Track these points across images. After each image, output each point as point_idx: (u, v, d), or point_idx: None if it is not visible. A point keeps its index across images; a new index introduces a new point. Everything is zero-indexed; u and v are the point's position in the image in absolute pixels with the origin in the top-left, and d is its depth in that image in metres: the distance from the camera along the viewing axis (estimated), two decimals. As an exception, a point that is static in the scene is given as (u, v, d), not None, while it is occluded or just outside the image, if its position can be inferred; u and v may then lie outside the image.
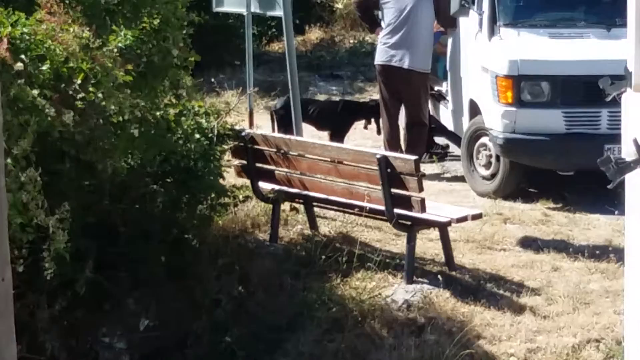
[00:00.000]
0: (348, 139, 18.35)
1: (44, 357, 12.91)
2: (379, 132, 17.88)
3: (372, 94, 20.90)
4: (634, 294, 6.81)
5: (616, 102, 7.76)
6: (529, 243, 15.05)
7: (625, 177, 6.53)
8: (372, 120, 18.14)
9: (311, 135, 17.60)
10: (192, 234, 14.53)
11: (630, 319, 7.18)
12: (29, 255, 11.39)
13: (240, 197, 15.22)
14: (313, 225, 15.28)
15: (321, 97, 21.39)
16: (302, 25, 23.72)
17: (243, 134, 15.11)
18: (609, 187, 6.99)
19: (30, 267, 11.37)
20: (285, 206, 15.48)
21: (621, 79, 7.69)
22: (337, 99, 20.62)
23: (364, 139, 18.69)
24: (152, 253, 14.00)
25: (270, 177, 15.07)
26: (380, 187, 13.76)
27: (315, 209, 15.27)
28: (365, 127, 18.41)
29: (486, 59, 16.30)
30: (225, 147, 14.90)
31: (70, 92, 11.49)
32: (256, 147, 14.99)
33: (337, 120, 18.22)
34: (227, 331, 13.85)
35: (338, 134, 18.02)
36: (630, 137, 6.19)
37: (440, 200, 15.41)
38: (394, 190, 13.73)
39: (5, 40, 10.76)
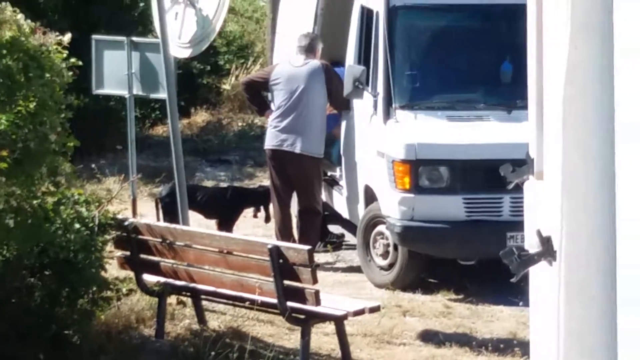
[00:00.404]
0: (237, 228, 18.09)
1: None
2: (267, 220, 17.69)
3: (262, 179, 20.78)
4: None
5: (519, 188, 7.68)
6: (429, 337, 14.83)
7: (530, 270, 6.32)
8: (262, 207, 17.92)
9: (198, 224, 17.35)
10: (73, 330, 14.22)
11: None
12: None
13: (124, 290, 14.89)
14: (201, 319, 15.03)
15: (208, 184, 21.28)
16: (188, 107, 23.58)
17: (126, 223, 14.89)
18: (512, 280, 6.83)
19: None
20: (172, 299, 15.21)
21: (523, 163, 7.56)
22: (225, 185, 20.51)
23: (254, 227, 18.37)
24: (30, 351, 13.79)
25: (155, 268, 14.84)
26: (272, 279, 13.62)
27: (204, 302, 15.05)
28: (255, 215, 18.21)
29: (382, 142, 16.12)
30: (108, 237, 14.64)
31: (-60, 181, 11.20)
32: (140, 237, 14.80)
33: (225, 208, 17.99)
34: None
35: (226, 223, 17.75)
36: (532, 228, 5.96)
37: (336, 292, 15.22)
38: (286, 282, 13.61)
39: None
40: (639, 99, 3.51)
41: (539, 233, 5.26)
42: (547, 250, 4.98)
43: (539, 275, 6.43)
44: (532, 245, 5.36)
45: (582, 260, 3.88)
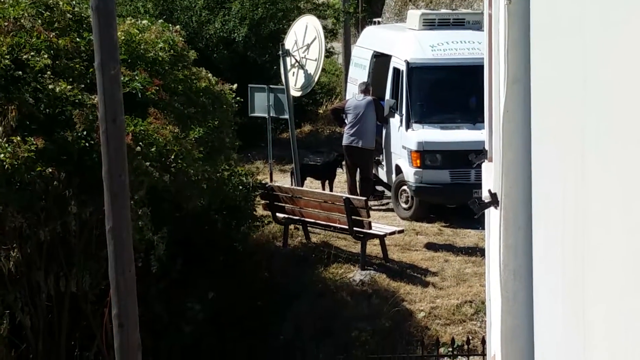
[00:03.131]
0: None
1: (153, 314, 12.53)
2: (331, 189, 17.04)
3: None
4: (490, 275, 6.46)
5: (479, 165, 7.57)
6: (430, 246, 14.69)
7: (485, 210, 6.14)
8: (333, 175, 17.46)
9: (309, 185, 17.06)
10: (238, 243, 14.25)
11: (488, 290, 6.86)
12: (143, 257, 11.02)
13: (265, 222, 14.95)
14: (307, 237, 14.98)
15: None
16: (300, 123, 23.41)
17: (267, 185, 15.06)
18: (475, 217, 6.75)
19: (144, 264, 10.98)
20: (292, 227, 15.08)
21: (481, 152, 7.58)
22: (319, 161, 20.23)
23: (336, 188, 18.01)
24: (216, 254, 13.83)
25: (282, 210, 14.79)
26: (345, 215, 13.61)
27: (309, 228, 14.93)
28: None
29: (405, 141, 15.87)
30: (257, 193, 14.66)
31: (167, 164, 11.26)
32: (274, 193, 14.84)
33: (327, 173, 17.40)
34: (259, 296, 13.69)
35: (331, 181, 17.27)
36: (486, 188, 5.83)
37: (380, 221, 15.03)
38: (353, 217, 13.59)
39: (130, 134, 10.41)
40: (543, 114, 3.43)
41: (489, 190, 5.16)
42: (494, 200, 4.88)
43: (490, 213, 6.38)
44: (486, 197, 5.24)
45: (511, 206, 3.79)
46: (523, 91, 3.53)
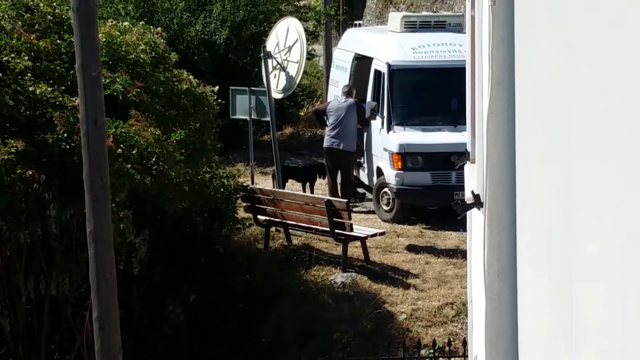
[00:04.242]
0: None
1: (135, 317, 12.49)
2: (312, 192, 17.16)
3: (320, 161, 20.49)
4: (472, 276, 6.51)
5: (460, 167, 7.58)
6: (411, 248, 14.67)
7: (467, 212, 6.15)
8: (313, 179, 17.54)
9: (291, 187, 17.05)
10: (220, 246, 14.26)
11: (470, 291, 6.94)
12: (125, 260, 10.97)
13: (247, 224, 14.91)
14: (289, 239, 14.92)
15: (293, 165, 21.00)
16: (281, 125, 23.29)
17: (248, 188, 14.99)
18: (458, 218, 6.83)
19: (125, 266, 10.94)
20: (273, 229, 15.02)
21: (462, 154, 7.56)
22: (302, 165, 20.25)
23: (317, 190, 18.01)
24: (197, 256, 13.83)
25: (264, 212, 14.73)
26: (327, 217, 13.57)
27: (290, 230, 14.87)
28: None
29: (386, 143, 15.84)
30: (238, 195, 14.60)
31: (149, 166, 11.23)
32: (255, 195, 14.76)
33: (309, 175, 17.51)
34: (240, 299, 13.65)
35: (312, 183, 17.34)
36: (469, 189, 5.74)
37: (361, 224, 14.95)
38: (334, 219, 13.56)
39: (111, 136, 10.37)
40: (527, 115, 3.44)
41: (472, 192, 5.15)
42: (477, 201, 4.88)
43: (473, 215, 6.37)
44: (469, 198, 5.24)
45: (495, 206, 3.78)
46: (507, 92, 3.53)
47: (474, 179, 5.67)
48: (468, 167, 6.91)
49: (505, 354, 3.64)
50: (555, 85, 2.86)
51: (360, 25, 23.39)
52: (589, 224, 2.15)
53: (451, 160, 8.03)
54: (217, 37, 21.56)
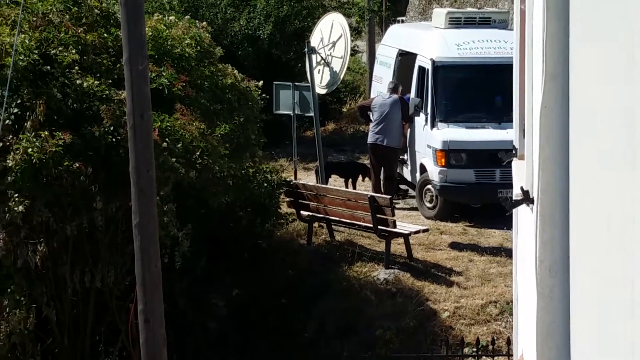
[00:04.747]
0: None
1: (179, 311, 12.55)
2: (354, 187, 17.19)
3: (363, 160, 20.41)
4: (518, 274, 6.47)
5: (507, 164, 7.45)
6: (455, 246, 14.58)
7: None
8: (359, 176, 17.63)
9: (334, 183, 17.04)
10: (262, 241, 14.28)
11: (516, 289, 6.84)
12: (169, 253, 11.03)
13: (290, 219, 14.91)
14: (331, 235, 14.92)
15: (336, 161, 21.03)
16: (324, 120, 23.32)
17: (291, 183, 14.97)
18: (507, 214, 6.66)
19: (169, 260, 10.98)
20: (316, 224, 15.03)
21: (508, 151, 7.38)
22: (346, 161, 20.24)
23: (360, 186, 17.97)
24: (241, 251, 13.86)
25: (307, 207, 14.72)
26: (370, 213, 13.53)
27: (333, 226, 14.86)
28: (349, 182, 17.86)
29: (430, 140, 15.77)
30: (281, 190, 14.62)
31: (193, 160, 11.25)
32: (298, 190, 14.76)
33: (352, 171, 17.58)
34: (283, 294, 13.68)
35: (355, 179, 17.39)
36: (518, 185, 5.67)
37: (404, 220, 14.96)
38: (378, 215, 13.50)
39: (156, 130, 10.40)
40: (582, 110, 3.38)
41: (521, 188, 5.11)
42: (526, 197, 4.84)
43: (521, 211, 6.30)
44: (517, 195, 5.19)
45: (548, 202, 3.74)
46: (561, 87, 3.49)
47: (522, 175, 5.61)
48: (516, 164, 6.85)
49: (556, 350, 3.61)
50: (612, 78, 2.81)
51: (403, 21, 23.37)
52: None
53: (498, 157, 7.96)
54: (260, 32, 21.62)
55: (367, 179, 17.21)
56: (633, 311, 2.32)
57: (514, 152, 7.53)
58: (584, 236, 3.25)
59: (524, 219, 5.86)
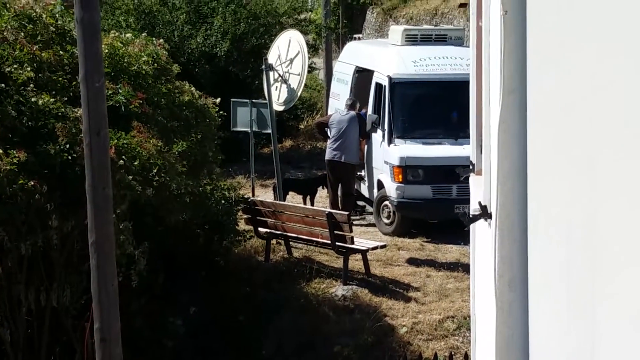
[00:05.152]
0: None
1: (135, 329, 12.41)
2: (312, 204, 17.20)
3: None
4: (476, 288, 6.45)
5: (461, 180, 7.48)
6: (412, 261, 14.61)
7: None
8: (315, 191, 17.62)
9: (291, 199, 17.01)
10: (220, 257, 14.21)
11: (473, 304, 6.89)
12: (124, 272, 10.91)
13: (247, 236, 14.86)
14: (289, 252, 14.89)
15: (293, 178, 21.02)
16: (281, 137, 23.26)
17: (249, 200, 14.93)
18: (465, 229, 6.68)
19: (124, 278, 10.87)
20: (274, 241, 14.99)
21: (465, 167, 7.48)
22: (303, 177, 20.22)
23: (318, 202, 17.95)
24: (198, 268, 13.88)
25: (265, 225, 14.68)
26: (327, 230, 13.53)
27: (291, 242, 14.82)
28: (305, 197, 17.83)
29: (387, 156, 15.80)
30: (239, 207, 14.58)
31: (150, 177, 11.16)
32: (256, 207, 14.72)
33: (309, 188, 17.56)
34: (241, 311, 13.62)
35: (313, 196, 17.44)
36: (475, 200, 5.67)
37: (362, 236, 14.95)
38: (335, 232, 13.51)
39: (113, 147, 10.31)
40: (540, 124, 3.40)
41: (479, 203, 5.12)
42: (484, 213, 4.84)
43: (478, 227, 6.31)
44: (475, 210, 5.20)
45: (506, 217, 3.75)
46: (519, 101, 3.51)
47: (480, 190, 5.62)
48: (473, 179, 6.86)
49: (516, 365, 3.61)
50: (568, 93, 2.83)
51: (359, 38, 23.41)
52: (613, 234, 2.11)
53: (455, 173, 7.99)
54: (218, 49, 21.57)
55: (325, 189, 17.19)
56: (593, 325, 2.31)
57: (471, 167, 7.57)
58: (543, 250, 3.25)
59: (482, 234, 5.87)
